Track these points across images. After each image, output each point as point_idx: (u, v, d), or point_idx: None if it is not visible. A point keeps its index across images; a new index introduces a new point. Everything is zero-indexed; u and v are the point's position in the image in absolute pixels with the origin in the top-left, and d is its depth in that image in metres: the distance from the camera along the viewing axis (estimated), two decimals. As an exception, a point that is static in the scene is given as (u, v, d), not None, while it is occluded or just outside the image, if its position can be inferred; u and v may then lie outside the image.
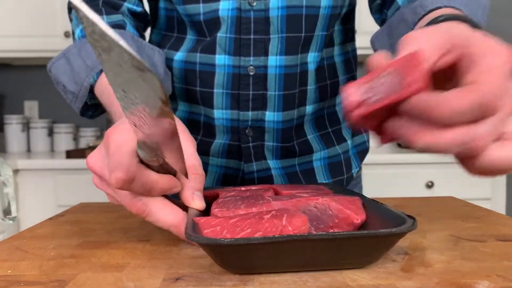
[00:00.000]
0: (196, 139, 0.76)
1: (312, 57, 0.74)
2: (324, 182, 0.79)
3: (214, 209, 0.44)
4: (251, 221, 0.38)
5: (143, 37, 0.74)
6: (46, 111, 2.56)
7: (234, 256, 0.35)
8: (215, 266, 0.38)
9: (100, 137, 2.53)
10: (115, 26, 0.67)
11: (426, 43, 0.37)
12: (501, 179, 1.99)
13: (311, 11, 0.71)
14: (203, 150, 0.77)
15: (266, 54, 0.71)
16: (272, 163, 0.77)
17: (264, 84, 0.72)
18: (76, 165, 1.97)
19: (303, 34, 0.72)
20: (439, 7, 0.54)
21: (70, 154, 2.03)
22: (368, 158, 1.45)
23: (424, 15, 0.55)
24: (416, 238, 0.46)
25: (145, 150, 0.41)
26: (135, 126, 0.38)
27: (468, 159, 0.37)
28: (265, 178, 0.77)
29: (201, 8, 0.71)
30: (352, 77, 0.82)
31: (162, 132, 0.37)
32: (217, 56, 0.72)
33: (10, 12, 2.18)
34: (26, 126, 2.44)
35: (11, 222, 0.60)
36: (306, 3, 0.70)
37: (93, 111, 0.67)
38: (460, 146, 0.35)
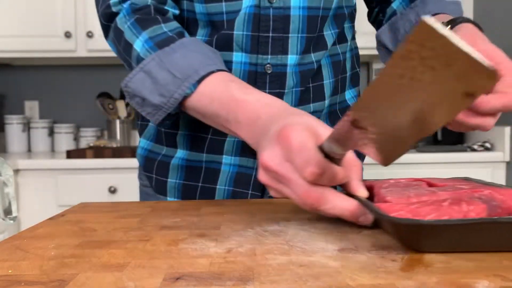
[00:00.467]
0: (206, 138, 0.76)
1: (326, 54, 0.77)
2: None
3: (388, 197, 0.48)
4: (431, 207, 0.42)
5: None
6: (47, 111, 2.56)
7: (433, 236, 0.39)
8: (215, 266, 0.38)
9: (100, 137, 2.53)
10: (178, 34, 0.66)
11: None
12: (501, 180, 1.99)
13: (325, 12, 0.74)
14: (215, 149, 0.76)
15: (283, 52, 0.72)
16: None
17: (281, 82, 0.73)
18: (76, 165, 1.97)
19: (316, 34, 0.74)
20: (438, 13, 0.70)
21: (70, 154, 2.03)
22: (368, 158, 1.45)
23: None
24: (416, 238, 0.46)
25: (336, 145, 0.44)
26: (358, 125, 0.40)
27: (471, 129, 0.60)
28: None
29: (223, 7, 0.70)
30: (356, 73, 0.85)
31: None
32: (234, 53, 0.72)
33: (10, 12, 2.18)
34: (27, 126, 2.45)
35: (11, 222, 0.60)
36: (323, 5, 0.73)
37: (169, 120, 0.67)
38: (481, 127, 0.59)
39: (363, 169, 0.89)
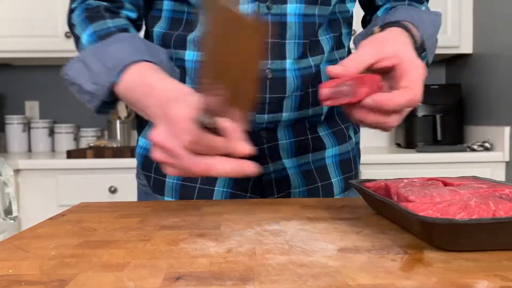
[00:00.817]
0: None
1: (324, 59, 0.78)
2: (337, 178, 0.81)
3: (410, 197, 0.49)
4: (459, 206, 0.43)
5: None
6: (47, 111, 2.56)
7: (468, 235, 0.40)
8: (215, 266, 0.38)
9: (100, 137, 2.53)
10: (122, 29, 0.69)
11: (368, 52, 0.59)
12: (501, 180, 1.99)
13: (320, 19, 0.75)
14: None
15: (282, 58, 0.73)
16: (287, 162, 0.78)
17: (282, 87, 0.74)
18: (76, 165, 1.97)
19: (312, 39, 0.75)
20: (398, 21, 0.70)
21: (70, 154, 2.03)
22: (368, 158, 1.46)
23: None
24: (416, 237, 0.47)
25: (207, 115, 0.50)
26: (205, 89, 0.48)
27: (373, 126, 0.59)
28: (282, 179, 0.78)
29: None
30: None
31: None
32: None
33: (10, 12, 2.18)
34: (27, 126, 2.44)
35: (12, 221, 0.60)
36: (318, 12, 0.74)
37: (107, 108, 0.70)
38: (383, 125, 0.58)
39: (361, 171, 0.90)
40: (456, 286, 0.33)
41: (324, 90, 0.55)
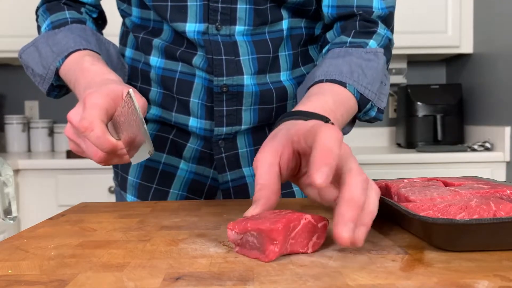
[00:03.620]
0: (167, 138, 0.80)
1: (285, 75, 0.78)
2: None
3: (411, 197, 0.49)
4: (459, 206, 0.43)
5: (100, 32, 0.81)
6: (47, 111, 2.56)
7: (470, 235, 0.40)
8: (215, 266, 0.38)
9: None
10: (78, 21, 0.74)
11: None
12: (501, 179, 1.99)
13: (273, 35, 0.75)
14: (175, 151, 0.79)
15: (238, 73, 0.74)
16: (247, 170, 0.78)
17: (238, 101, 0.75)
18: (76, 165, 1.97)
19: (271, 55, 0.75)
20: (321, 81, 0.64)
21: (70, 154, 2.03)
22: (368, 158, 1.46)
23: (312, 85, 0.64)
24: (416, 237, 0.46)
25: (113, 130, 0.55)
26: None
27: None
28: (241, 187, 0.78)
29: (187, 26, 0.73)
30: None
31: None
32: (196, 69, 0.75)
33: (10, 12, 2.18)
34: (27, 126, 2.44)
35: (11, 222, 0.60)
36: (268, 29, 0.74)
37: (58, 91, 0.75)
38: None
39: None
40: (456, 286, 0.33)
41: (229, 234, 0.43)
